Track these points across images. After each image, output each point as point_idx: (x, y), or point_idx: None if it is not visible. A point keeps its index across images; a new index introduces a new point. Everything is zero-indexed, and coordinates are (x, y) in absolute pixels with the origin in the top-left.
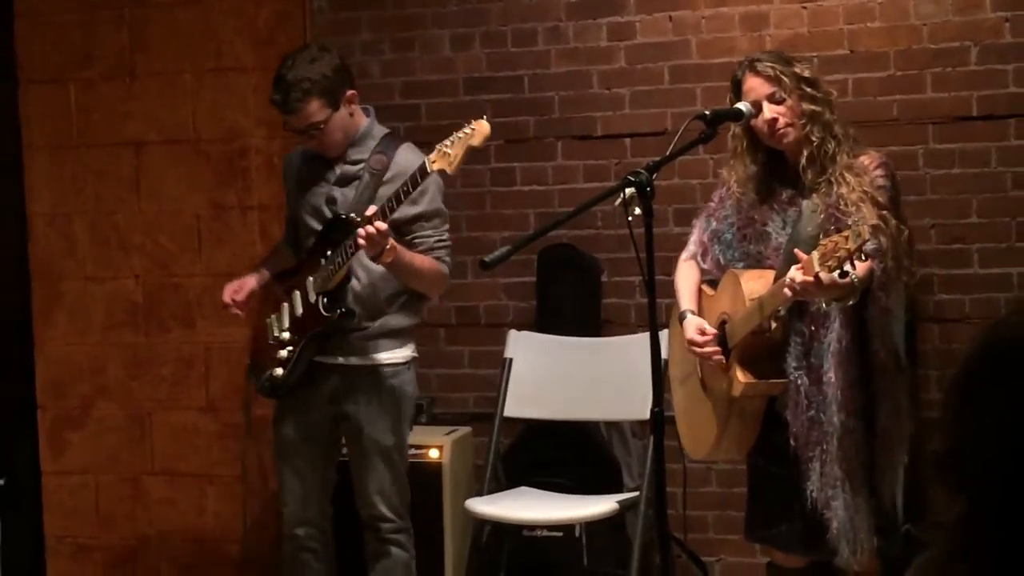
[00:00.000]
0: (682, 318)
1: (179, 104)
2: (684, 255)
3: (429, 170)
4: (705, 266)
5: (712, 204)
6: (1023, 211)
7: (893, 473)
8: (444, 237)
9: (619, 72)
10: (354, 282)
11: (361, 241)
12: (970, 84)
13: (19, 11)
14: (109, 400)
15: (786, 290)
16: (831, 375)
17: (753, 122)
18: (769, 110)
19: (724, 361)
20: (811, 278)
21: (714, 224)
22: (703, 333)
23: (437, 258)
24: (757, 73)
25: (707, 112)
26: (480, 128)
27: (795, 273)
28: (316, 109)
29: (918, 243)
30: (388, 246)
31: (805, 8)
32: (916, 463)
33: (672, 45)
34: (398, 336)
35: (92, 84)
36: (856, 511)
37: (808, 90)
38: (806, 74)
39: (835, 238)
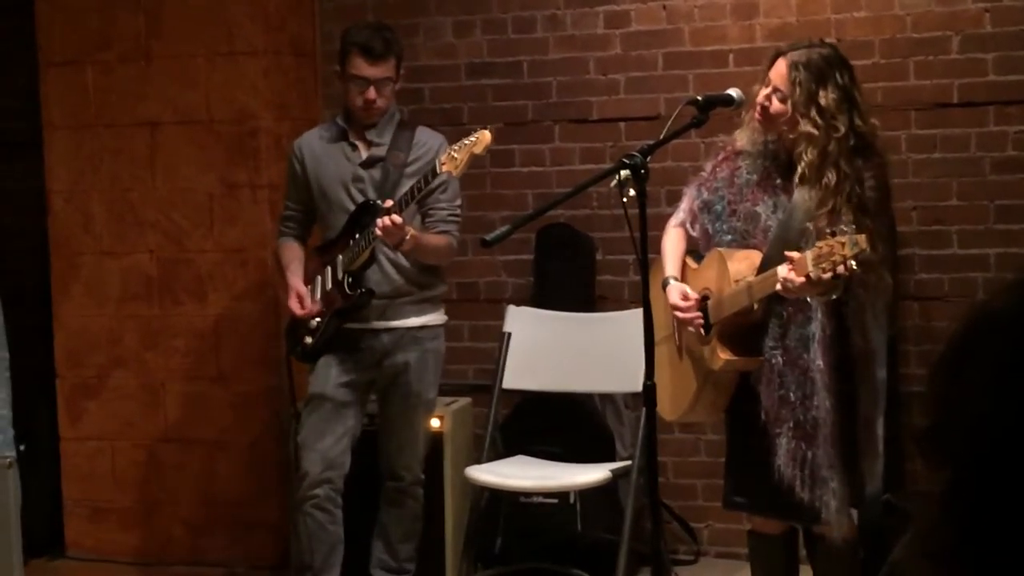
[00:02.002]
0: (665, 284)
1: (192, 86)
2: (673, 221)
3: (439, 171)
4: (694, 234)
5: (704, 174)
6: (1001, 194)
7: (874, 455)
8: (456, 211)
9: (614, 59)
10: (397, 256)
11: (378, 232)
12: (951, 72)
13: None
14: (124, 370)
15: (778, 287)
16: (819, 361)
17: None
18: (763, 96)
19: (703, 332)
20: (803, 278)
21: (705, 194)
22: (686, 298)
23: (446, 231)
24: (785, 63)
25: (699, 98)
26: (483, 137)
27: (788, 273)
28: (393, 67)
29: (900, 225)
30: (407, 236)
31: None
32: (895, 437)
33: (665, 33)
34: (435, 302)
35: (109, 67)
36: (839, 485)
37: (813, 114)
38: (822, 102)
39: (831, 242)
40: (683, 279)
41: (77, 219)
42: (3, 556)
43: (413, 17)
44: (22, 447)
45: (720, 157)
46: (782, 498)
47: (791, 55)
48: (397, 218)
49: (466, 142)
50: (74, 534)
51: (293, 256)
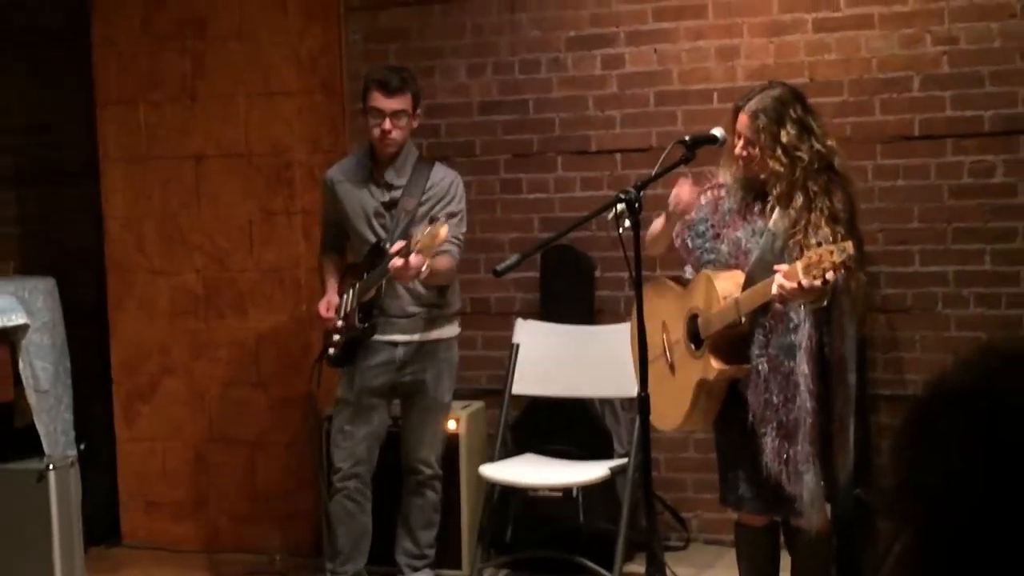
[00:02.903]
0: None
1: (233, 123)
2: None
3: (411, 248)
4: (675, 244)
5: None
6: (958, 218)
7: (846, 452)
8: (459, 234)
9: (611, 97)
10: (413, 283)
11: (393, 267)
12: (913, 108)
13: (96, 42)
14: (174, 377)
15: (774, 290)
16: (804, 367)
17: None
18: (739, 148)
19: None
20: (795, 285)
21: (691, 214)
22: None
23: (447, 251)
24: (745, 114)
25: (687, 138)
26: (437, 230)
27: (782, 280)
28: (408, 101)
29: (868, 245)
30: (420, 275)
31: (771, 42)
32: (864, 436)
33: (656, 74)
34: (449, 318)
35: (159, 105)
36: (813, 480)
37: (779, 153)
38: (784, 139)
39: (820, 251)
40: (669, 303)
41: (131, 242)
42: (66, 544)
43: (430, 60)
44: (82, 446)
45: (706, 186)
46: (767, 493)
47: (749, 106)
48: (398, 261)
49: (422, 235)
50: (130, 525)
51: (330, 268)
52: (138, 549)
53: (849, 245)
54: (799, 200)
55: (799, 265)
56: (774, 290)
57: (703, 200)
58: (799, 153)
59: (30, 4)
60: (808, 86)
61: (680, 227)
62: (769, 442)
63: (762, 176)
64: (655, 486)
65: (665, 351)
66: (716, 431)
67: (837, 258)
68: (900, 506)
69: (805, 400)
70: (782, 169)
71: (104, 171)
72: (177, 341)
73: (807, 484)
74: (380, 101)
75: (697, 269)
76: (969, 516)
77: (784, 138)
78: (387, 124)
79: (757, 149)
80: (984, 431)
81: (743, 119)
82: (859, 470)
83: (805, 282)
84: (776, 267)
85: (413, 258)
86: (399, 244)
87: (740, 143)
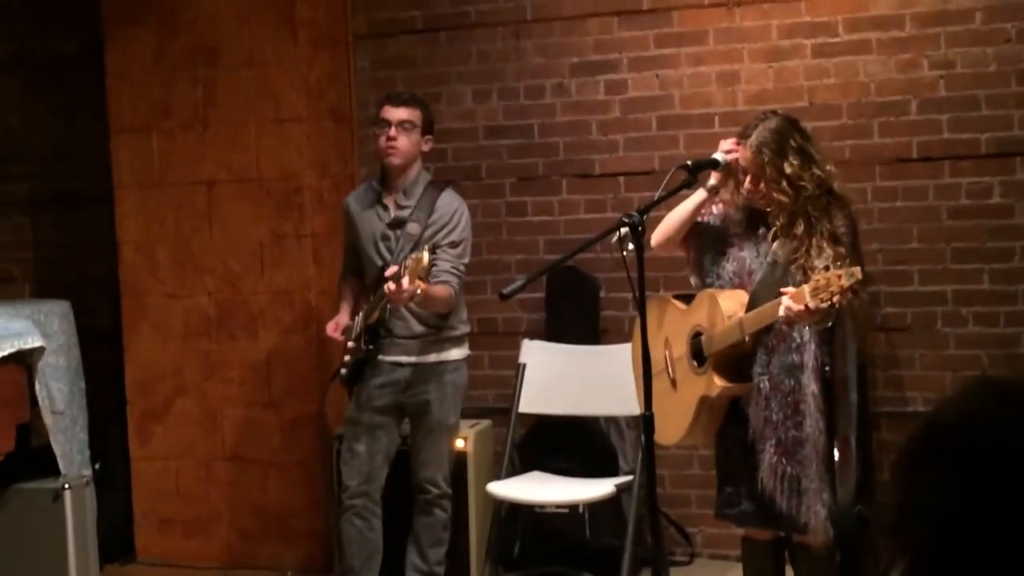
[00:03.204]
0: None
1: (244, 149)
2: None
3: (401, 273)
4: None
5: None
6: (956, 238)
7: (848, 469)
8: (460, 266)
9: (614, 121)
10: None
11: (387, 290)
12: (910, 131)
13: (110, 71)
14: (187, 397)
15: (781, 312)
16: (813, 387)
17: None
18: (750, 186)
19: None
20: (802, 307)
21: (702, 218)
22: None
23: (447, 281)
24: (748, 150)
25: (689, 163)
26: (420, 259)
27: (789, 302)
28: (412, 114)
29: (868, 265)
30: (413, 297)
31: (771, 67)
32: (865, 452)
33: (659, 98)
34: (455, 341)
35: (171, 133)
36: (817, 496)
37: (784, 185)
38: (788, 171)
39: (828, 275)
40: (672, 321)
41: (145, 266)
42: (82, 561)
43: (438, 86)
44: (97, 466)
45: (720, 205)
46: (765, 508)
47: (750, 141)
48: (391, 285)
49: (409, 261)
50: (144, 542)
51: (346, 291)
52: (152, 566)
53: (857, 270)
54: (800, 227)
55: (807, 288)
56: (781, 312)
57: (715, 210)
58: (802, 183)
59: (45, 35)
60: (807, 110)
61: (693, 252)
62: (767, 458)
63: (766, 208)
64: (660, 502)
65: (667, 367)
66: (716, 446)
67: (845, 282)
68: (897, 534)
69: (817, 420)
70: (786, 200)
71: (118, 197)
72: (190, 362)
73: (823, 501)
74: (387, 112)
75: (699, 276)
76: (962, 546)
77: (788, 169)
78: (392, 131)
79: (762, 184)
80: (977, 464)
81: (746, 154)
82: (860, 487)
83: (812, 305)
84: (783, 290)
85: (404, 282)
86: (392, 269)
87: (748, 180)
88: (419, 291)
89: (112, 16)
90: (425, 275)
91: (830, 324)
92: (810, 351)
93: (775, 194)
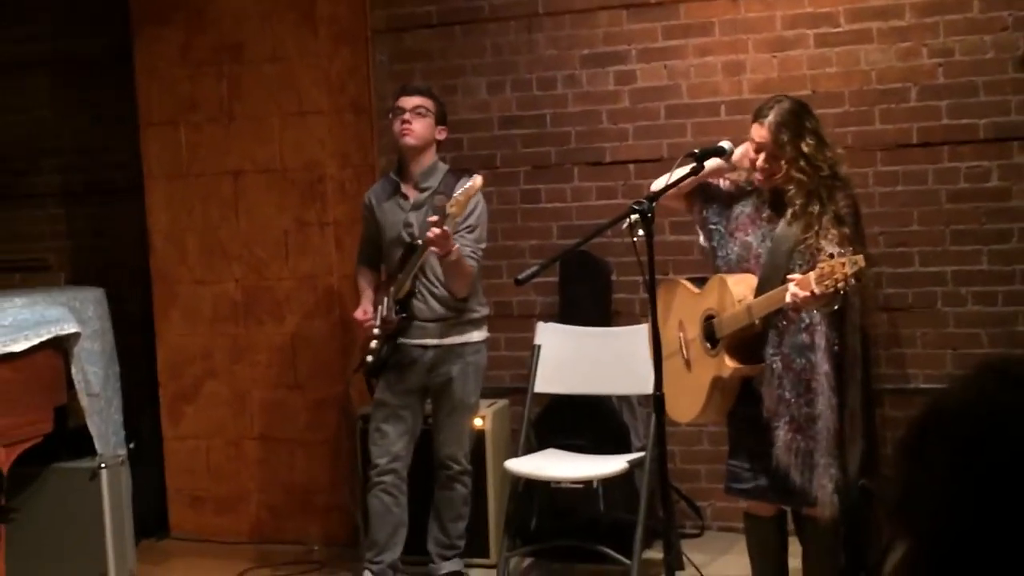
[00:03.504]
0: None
1: (268, 141)
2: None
3: (447, 211)
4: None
5: (714, 184)
6: (955, 220)
7: (856, 444)
8: (478, 249)
9: (624, 111)
10: (437, 288)
11: (430, 236)
12: (910, 117)
13: (139, 68)
14: (216, 380)
15: (788, 298)
16: (825, 367)
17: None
18: (762, 162)
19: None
20: (807, 293)
21: (715, 209)
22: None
23: (469, 257)
24: (765, 128)
25: (697, 150)
26: (475, 182)
27: (795, 288)
28: (425, 102)
29: (869, 247)
30: (453, 245)
31: (775, 57)
32: (870, 428)
33: (667, 88)
34: (476, 323)
35: (198, 126)
36: (837, 471)
37: (802, 164)
38: (806, 150)
39: (832, 263)
40: (684, 305)
41: (174, 254)
42: (118, 537)
43: (453, 78)
44: (132, 446)
45: (725, 176)
46: (779, 483)
47: (768, 120)
48: (437, 229)
49: (459, 193)
50: (177, 518)
51: (366, 279)
52: (185, 541)
53: (861, 259)
54: (816, 207)
55: (812, 276)
56: (788, 298)
57: (723, 184)
58: (819, 162)
59: (76, 34)
60: (811, 98)
61: (699, 206)
62: (781, 435)
63: (786, 188)
64: (671, 477)
65: (681, 348)
66: (728, 424)
67: (849, 270)
68: (901, 516)
69: (829, 397)
70: (805, 179)
71: (148, 188)
72: (218, 346)
73: (831, 476)
74: (402, 100)
75: (710, 247)
76: (963, 533)
77: (806, 149)
78: (407, 116)
79: (782, 162)
80: (977, 451)
81: (763, 133)
82: (864, 461)
83: (818, 291)
84: (789, 276)
85: (447, 227)
86: (434, 218)
87: (762, 157)
88: (455, 247)
89: (140, 16)
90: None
91: (836, 307)
92: (821, 331)
93: (795, 172)
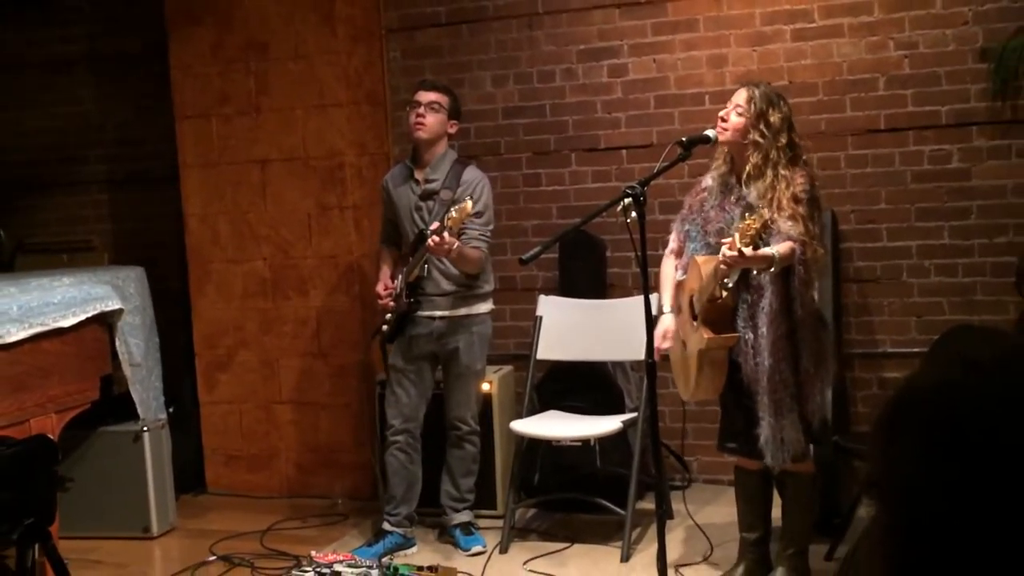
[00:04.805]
0: (659, 313)
1: (293, 132)
2: (667, 249)
3: (444, 224)
4: (680, 261)
5: (684, 211)
6: (919, 199)
7: (814, 400)
8: (486, 232)
9: (617, 101)
10: (447, 267)
11: (431, 245)
12: (879, 105)
13: (174, 65)
14: (247, 349)
15: (720, 256)
16: (764, 330)
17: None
18: (725, 112)
19: (661, 350)
20: (735, 252)
21: (687, 227)
22: (664, 336)
23: (478, 246)
24: (744, 89)
25: (684, 139)
26: (464, 207)
27: (726, 249)
28: (440, 98)
29: (841, 224)
30: (452, 250)
31: (755, 51)
32: (841, 389)
33: (656, 80)
34: (482, 297)
35: (229, 118)
36: (782, 429)
37: (761, 127)
38: (771, 119)
39: (747, 221)
40: (676, 291)
41: (208, 235)
42: (159, 493)
43: (460, 73)
44: (171, 410)
45: (692, 195)
46: (754, 443)
47: (749, 87)
48: (436, 238)
49: (453, 212)
50: (213, 475)
51: (386, 257)
52: (221, 496)
53: (764, 213)
54: (768, 176)
55: (736, 235)
56: (720, 256)
57: (692, 207)
58: (779, 136)
59: (117, 35)
60: (788, 88)
61: (682, 242)
62: (760, 399)
63: (744, 142)
64: (661, 435)
65: (679, 331)
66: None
67: (757, 224)
68: (876, 489)
69: (764, 358)
70: (762, 141)
71: (183, 176)
72: (249, 319)
73: (798, 430)
74: (419, 95)
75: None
76: (927, 503)
77: (771, 118)
78: (421, 109)
79: (744, 119)
80: (942, 434)
81: (742, 93)
82: (838, 419)
83: (745, 250)
84: (722, 240)
85: (446, 235)
86: (435, 225)
87: (729, 108)
88: (455, 247)
89: (175, 17)
90: (464, 221)
91: (773, 270)
92: (767, 297)
93: (751, 131)
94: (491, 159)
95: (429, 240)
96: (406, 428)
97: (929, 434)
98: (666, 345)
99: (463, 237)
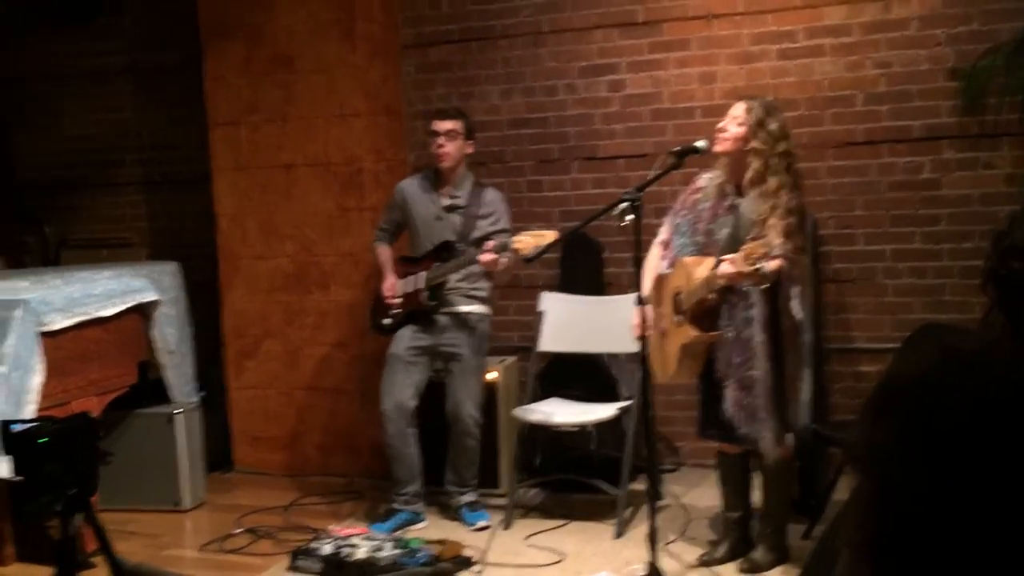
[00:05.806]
0: (637, 300)
1: (316, 139)
2: (656, 239)
3: (509, 247)
4: (666, 252)
5: (676, 206)
6: (893, 207)
7: (797, 401)
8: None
9: (615, 113)
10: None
11: (482, 261)
12: (856, 120)
13: (207, 76)
14: (272, 339)
15: (719, 271)
16: (759, 336)
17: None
18: (723, 125)
19: (642, 335)
20: (735, 271)
21: (677, 220)
22: (642, 324)
23: (506, 258)
24: (743, 103)
25: (676, 149)
26: (548, 235)
27: (726, 266)
28: (456, 125)
29: (820, 229)
30: (498, 269)
31: (743, 68)
32: (819, 381)
33: (651, 95)
34: (482, 299)
35: (257, 126)
36: (774, 424)
37: (762, 135)
38: (770, 127)
39: (753, 245)
40: (658, 284)
41: (237, 234)
42: (191, 470)
43: (470, 87)
44: (202, 394)
45: (687, 192)
46: (730, 431)
47: (747, 100)
48: (488, 256)
49: (529, 236)
50: (240, 455)
51: (387, 256)
52: (247, 474)
53: (772, 240)
54: (772, 183)
55: (740, 255)
56: (719, 271)
57: (686, 204)
58: (778, 144)
59: (154, 47)
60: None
61: (672, 235)
62: (730, 393)
63: (744, 150)
64: (652, 422)
65: (657, 321)
66: (700, 382)
67: (763, 250)
68: (860, 465)
69: (762, 363)
70: (763, 147)
71: (215, 179)
72: (274, 311)
73: (770, 427)
74: (436, 125)
75: (673, 263)
76: (919, 494)
77: (770, 126)
78: (441, 140)
79: (743, 129)
80: (925, 420)
81: (740, 105)
82: (816, 409)
83: (745, 269)
84: (722, 257)
85: (502, 260)
86: (491, 243)
87: (727, 121)
88: (503, 264)
89: (209, 33)
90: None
91: (768, 285)
92: (759, 307)
93: (753, 140)
94: (498, 167)
95: (483, 257)
96: (397, 414)
97: (908, 421)
98: (646, 332)
99: (495, 246)
